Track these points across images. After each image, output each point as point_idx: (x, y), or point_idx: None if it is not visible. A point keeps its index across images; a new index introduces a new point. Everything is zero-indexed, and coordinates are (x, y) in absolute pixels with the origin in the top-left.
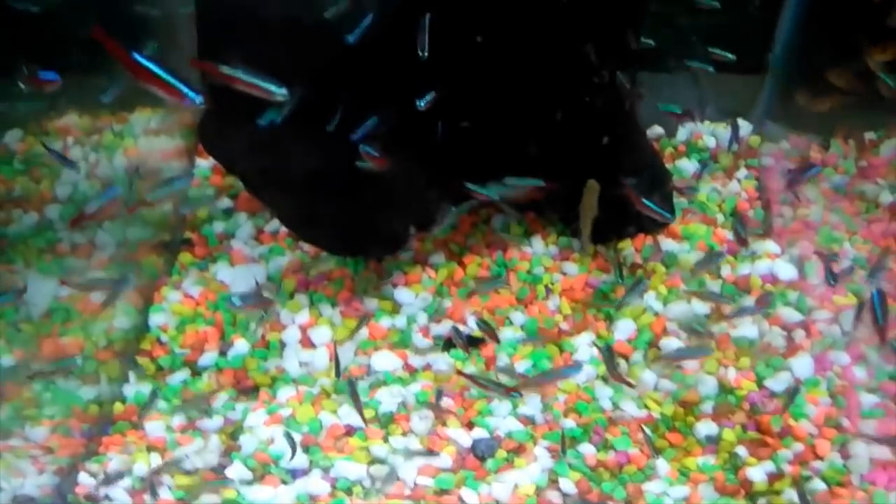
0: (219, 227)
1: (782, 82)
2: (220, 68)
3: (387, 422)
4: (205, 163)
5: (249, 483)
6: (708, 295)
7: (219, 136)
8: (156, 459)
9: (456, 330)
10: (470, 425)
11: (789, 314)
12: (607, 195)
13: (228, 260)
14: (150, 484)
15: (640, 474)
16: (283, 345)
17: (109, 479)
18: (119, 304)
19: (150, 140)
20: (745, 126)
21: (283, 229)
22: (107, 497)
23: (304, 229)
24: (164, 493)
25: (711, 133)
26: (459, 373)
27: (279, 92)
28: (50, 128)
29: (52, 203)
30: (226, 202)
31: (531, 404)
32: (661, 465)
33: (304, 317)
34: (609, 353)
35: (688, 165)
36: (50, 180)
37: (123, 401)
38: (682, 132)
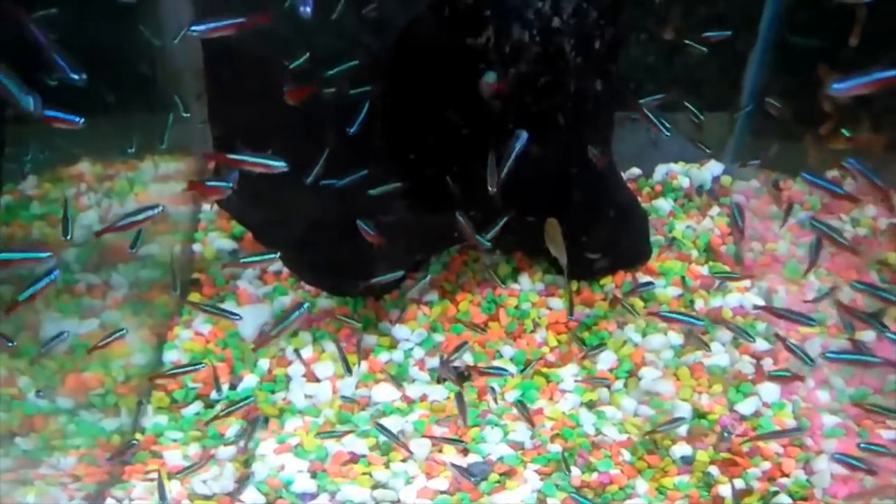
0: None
1: (751, 124)
2: (228, 156)
3: (387, 449)
4: (210, 208)
5: None
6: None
7: None
8: (176, 486)
9: (445, 364)
10: (465, 451)
11: (758, 343)
12: (588, 236)
13: (235, 299)
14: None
15: (622, 493)
16: (289, 378)
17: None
18: (135, 342)
19: (159, 186)
20: (717, 167)
21: (286, 270)
22: None
23: (304, 272)
24: None
25: (686, 173)
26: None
27: (279, 166)
28: (64, 174)
29: (69, 247)
30: (231, 244)
31: (520, 431)
32: (641, 484)
33: (308, 352)
34: None
35: (664, 204)
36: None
37: (143, 431)
38: (658, 173)
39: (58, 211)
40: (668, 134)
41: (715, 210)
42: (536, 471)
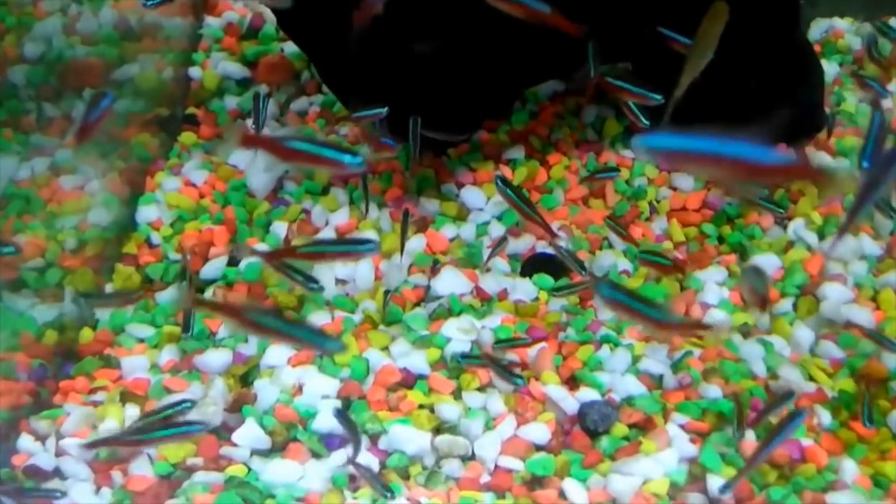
0: (231, 102)
1: None
2: None
3: (458, 370)
4: (215, 21)
5: (266, 455)
6: None
7: None
8: (133, 414)
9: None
10: (573, 382)
11: None
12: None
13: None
14: None
15: (820, 478)
16: None
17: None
18: (97, 192)
19: None
20: None
21: (313, 108)
22: (58, 471)
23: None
24: (144, 468)
25: (856, 32)
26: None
27: None
28: None
29: (18, 64)
30: (241, 70)
31: (656, 357)
32: (848, 466)
33: (342, 217)
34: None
35: (827, 69)
36: (16, 35)
37: (94, 325)
38: (816, 30)
39: (6, 18)
40: None
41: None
42: (685, 426)
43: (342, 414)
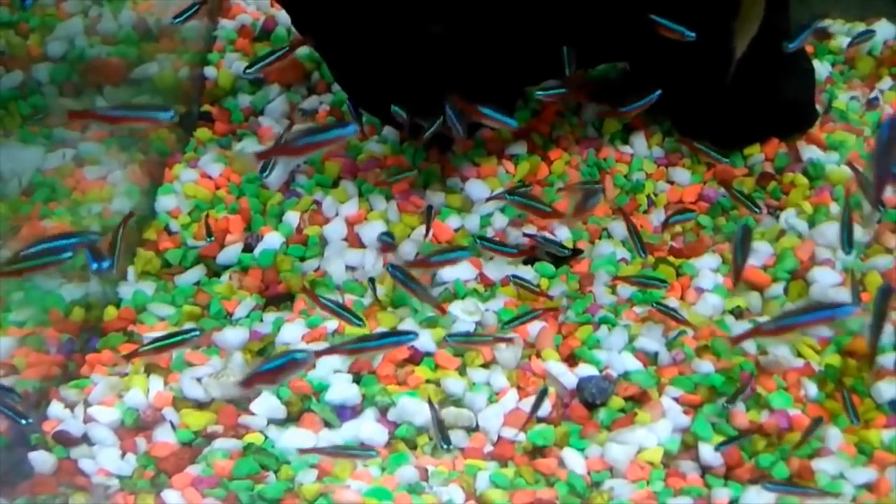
0: (244, 100)
1: None
2: None
3: (462, 347)
4: (229, 23)
5: (282, 424)
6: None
7: None
8: (157, 384)
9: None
10: (572, 359)
11: None
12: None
13: (256, 139)
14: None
15: (806, 446)
16: (324, 241)
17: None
18: (119, 182)
19: None
20: (887, 28)
21: (322, 107)
22: (86, 437)
23: (362, 91)
24: (167, 435)
25: (847, 33)
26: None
27: None
28: None
29: (43, 62)
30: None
31: (652, 336)
32: (833, 434)
33: (351, 208)
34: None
35: (819, 68)
36: (40, 35)
37: (118, 304)
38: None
39: (31, 19)
40: None
41: (887, 83)
42: (679, 398)
43: (402, 271)
